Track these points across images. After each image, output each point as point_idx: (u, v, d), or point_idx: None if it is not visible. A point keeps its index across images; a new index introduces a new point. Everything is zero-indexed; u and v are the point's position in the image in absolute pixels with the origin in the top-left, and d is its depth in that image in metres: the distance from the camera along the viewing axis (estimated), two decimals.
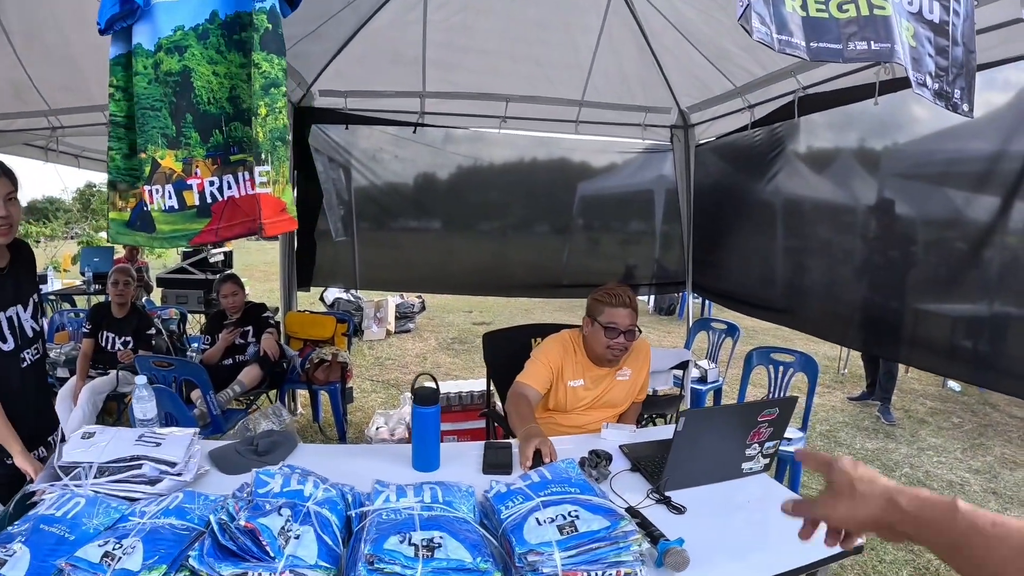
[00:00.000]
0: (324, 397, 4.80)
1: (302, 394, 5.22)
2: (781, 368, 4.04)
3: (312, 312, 5.20)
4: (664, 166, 5.64)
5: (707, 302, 9.82)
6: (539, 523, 1.54)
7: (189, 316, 6.53)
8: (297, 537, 1.43)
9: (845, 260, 4.08)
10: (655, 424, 3.99)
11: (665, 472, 2.05)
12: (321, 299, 8.49)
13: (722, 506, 2.06)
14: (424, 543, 1.42)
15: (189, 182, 1.81)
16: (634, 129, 5.33)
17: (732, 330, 5.05)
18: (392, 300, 8.75)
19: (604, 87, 4.88)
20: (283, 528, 1.43)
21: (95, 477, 1.77)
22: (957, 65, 1.85)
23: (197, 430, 2.08)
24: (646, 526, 1.73)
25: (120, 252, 8.42)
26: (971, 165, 3.17)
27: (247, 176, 1.82)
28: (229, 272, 5.07)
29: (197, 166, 1.80)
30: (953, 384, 7.04)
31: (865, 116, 3.71)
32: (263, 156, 1.74)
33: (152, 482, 1.81)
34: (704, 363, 4.99)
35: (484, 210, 5.47)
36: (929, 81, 1.78)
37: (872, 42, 1.65)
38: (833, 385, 6.98)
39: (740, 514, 2.03)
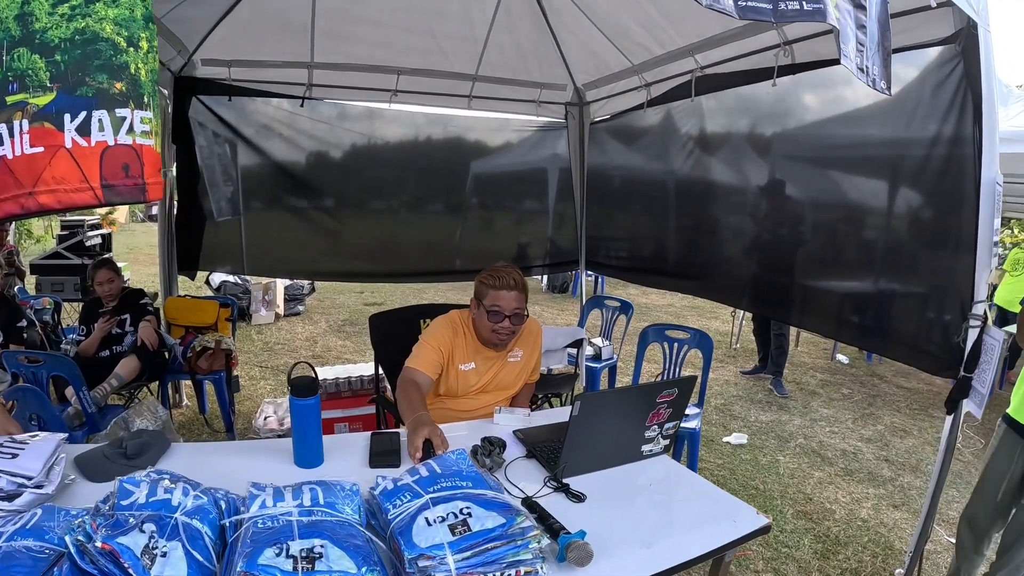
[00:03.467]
0: (210, 387, 4.54)
1: (187, 385, 4.92)
2: (676, 345, 4.08)
3: (194, 297, 4.92)
4: (559, 144, 5.61)
5: (600, 280, 9.98)
6: (429, 523, 1.45)
7: (65, 304, 6.08)
8: (164, 555, 1.28)
9: (742, 236, 4.19)
10: (551, 404, 3.98)
11: (562, 459, 1.99)
12: (207, 282, 8.10)
13: (623, 491, 2.02)
14: (303, 554, 1.30)
15: None
16: (528, 106, 5.28)
17: (626, 307, 5.09)
18: (281, 282, 8.39)
19: (499, 62, 4.78)
20: (147, 546, 1.28)
21: None
22: (873, 42, 1.84)
23: (63, 436, 1.86)
24: (544, 519, 1.66)
25: None
26: (861, 150, 3.29)
27: (23, 126, 1.31)
28: (103, 257, 4.68)
29: None
30: (842, 357, 7.41)
31: (762, 100, 3.79)
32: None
33: (10, 497, 1.60)
34: (598, 341, 5.01)
35: (376, 190, 5.27)
36: (852, 54, 1.75)
37: (804, 3, 1.60)
38: (726, 360, 7.19)
39: (642, 498, 2.01)
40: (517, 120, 5.41)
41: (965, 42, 2.57)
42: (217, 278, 7.98)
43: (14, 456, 1.68)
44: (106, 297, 4.20)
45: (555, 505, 1.80)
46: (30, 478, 1.63)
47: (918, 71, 2.82)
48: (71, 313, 6.34)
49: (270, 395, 5.20)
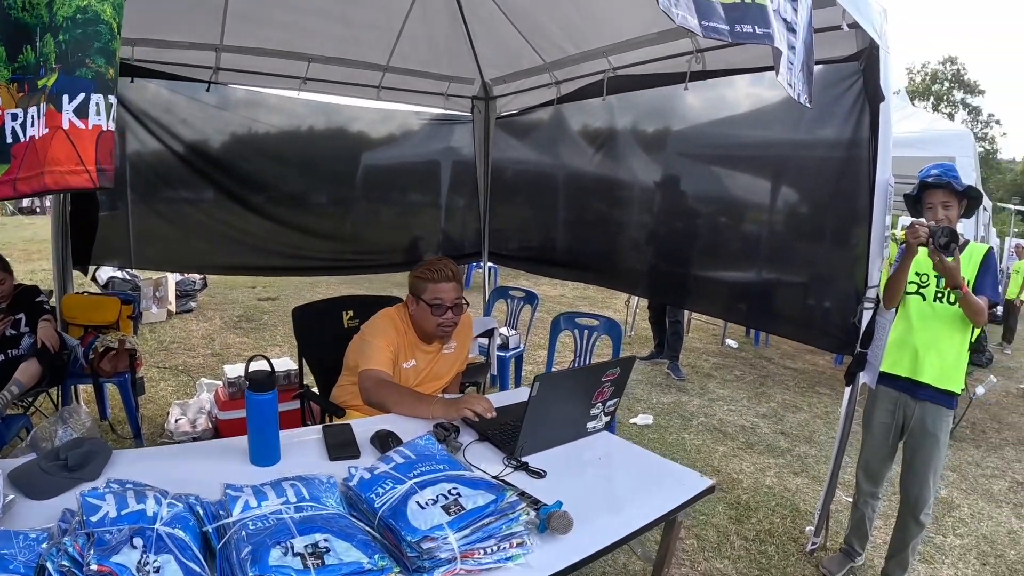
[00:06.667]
0: (111, 390, 4.29)
1: (84, 389, 4.56)
2: (586, 332, 4.24)
3: (91, 294, 4.63)
4: (452, 137, 5.61)
5: (494, 271, 10.10)
6: (422, 507, 1.48)
7: None
8: (157, 570, 1.20)
9: (644, 227, 4.44)
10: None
11: (520, 438, 2.07)
12: (94, 279, 7.58)
13: (578, 465, 2.14)
14: (309, 550, 1.28)
15: None
16: (436, 98, 5.27)
17: (531, 298, 5.21)
18: (172, 277, 7.95)
19: (411, 54, 4.73)
20: (140, 563, 1.20)
21: None
22: (799, 61, 2.03)
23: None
24: (523, 494, 1.73)
25: None
26: (767, 151, 3.63)
27: (44, 109, 1.31)
28: None
29: None
30: (731, 341, 7.86)
31: (667, 101, 4.04)
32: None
33: None
34: (504, 330, 5.09)
35: (266, 181, 5.02)
36: (784, 71, 1.93)
37: (756, 27, 1.76)
38: (623, 347, 7.41)
39: (594, 471, 2.13)
40: (409, 111, 5.36)
41: (867, 61, 2.87)
42: (104, 274, 7.47)
43: None
44: None
45: (519, 483, 1.88)
46: None
47: (823, 83, 3.07)
48: None
49: (173, 396, 4.97)
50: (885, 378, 2.99)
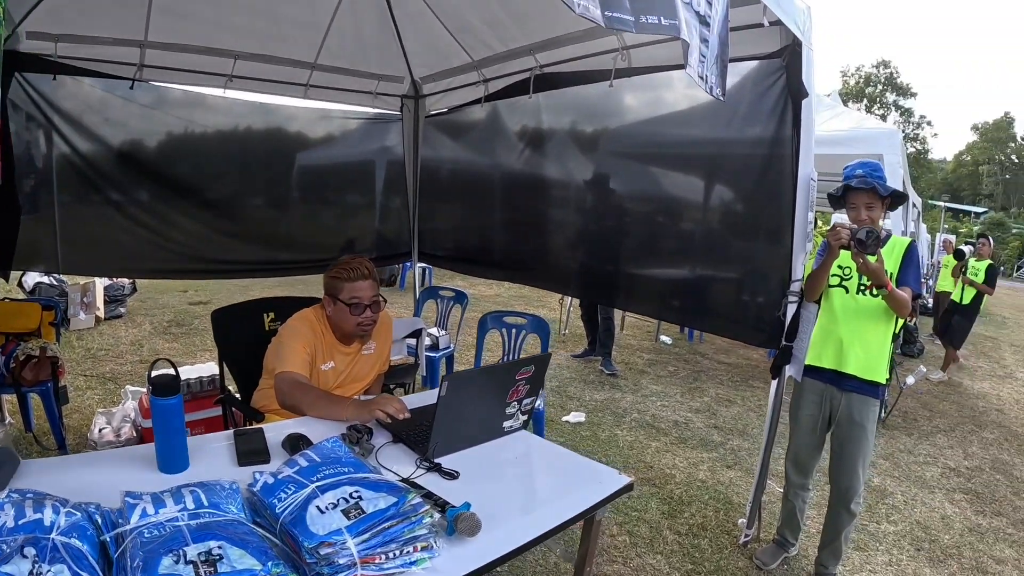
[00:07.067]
0: (35, 400, 4.15)
1: (9, 400, 4.41)
2: (514, 331, 4.26)
3: (12, 300, 4.47)
4: (387, 137, 5.58)
5: (427, 272, 10.09)
6: (321, 511, 1.47)
7: None
8: None
9: (574, 226, 4.47)
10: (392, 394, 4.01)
11: (432, 438, 2.06)
12: (20, 284, 7.33)
13: (492, 465, 2.13)
14: (202, 558, 1.28)
15: None
16: (365, 97, 5.22)
17: (460, 297, 5.23)
18: (100, 282, 7.69)
19: (339, 51, 4.66)
20: (32, 573, 1.19)
21: None
22: (713, 55, 2.04)
23: None
24: (429, 496, 1.73)
25: None
26: (691, 149, 3.67)
27: None
28: None
29: None
30: (665, 338, 7.99)
31: (596, 99, 4.04)
32: None
33: None
34: (434, 331, 5.09)
35: (201, 182, 4.89)
36: (695, 63, 1.95)
37: (662, 18, 1.76)
38: (556, 345, 7.51)
39: (512, 470, 2.14)
40: (344, 111, 5.32)
41: (790, 58, 2.91)
42: (31, 279, 7.24)
43: None
44: None
45: (431, 484, 1.88)
46: None
47: (746, 80, 3.14)
48: None
49: (100, 405, 4.84)
50: (811, 370, 3.06)
